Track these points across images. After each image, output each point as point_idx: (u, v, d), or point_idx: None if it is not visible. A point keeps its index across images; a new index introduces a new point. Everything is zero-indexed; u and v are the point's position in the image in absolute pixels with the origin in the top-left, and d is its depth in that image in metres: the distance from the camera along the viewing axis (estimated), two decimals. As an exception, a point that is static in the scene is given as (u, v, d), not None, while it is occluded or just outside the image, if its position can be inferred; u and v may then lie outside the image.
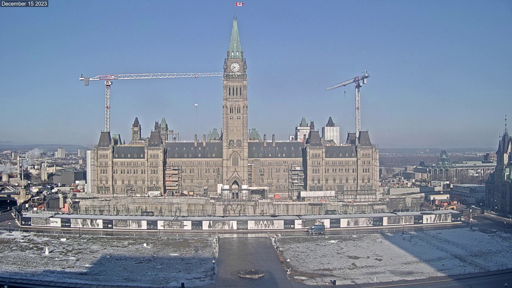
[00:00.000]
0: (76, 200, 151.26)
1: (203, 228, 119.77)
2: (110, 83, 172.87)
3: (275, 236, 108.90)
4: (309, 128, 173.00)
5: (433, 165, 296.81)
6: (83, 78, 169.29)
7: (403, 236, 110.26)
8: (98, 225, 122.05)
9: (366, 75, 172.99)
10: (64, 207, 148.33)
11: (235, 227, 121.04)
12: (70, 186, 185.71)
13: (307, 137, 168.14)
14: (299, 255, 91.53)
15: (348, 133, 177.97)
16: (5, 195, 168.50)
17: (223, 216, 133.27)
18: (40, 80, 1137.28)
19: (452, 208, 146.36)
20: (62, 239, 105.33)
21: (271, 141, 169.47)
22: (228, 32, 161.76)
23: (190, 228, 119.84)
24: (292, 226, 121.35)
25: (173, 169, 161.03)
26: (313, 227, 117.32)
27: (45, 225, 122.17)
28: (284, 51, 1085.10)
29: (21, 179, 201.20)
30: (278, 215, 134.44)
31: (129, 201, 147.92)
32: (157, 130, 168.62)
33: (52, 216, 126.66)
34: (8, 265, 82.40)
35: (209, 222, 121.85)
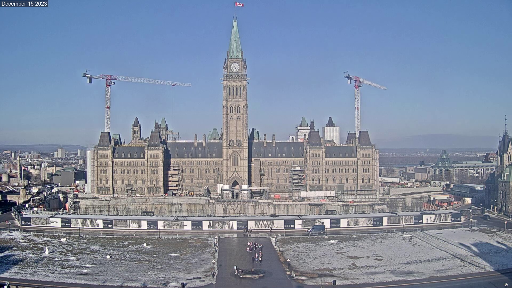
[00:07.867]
0: (76, 200, 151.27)
1: (203, 228, 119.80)
2: (111, 83, 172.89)
3: (275, 236, 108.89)
4: (309, 128, 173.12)
5: (433, 165, 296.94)
6: (88, 75, 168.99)
7: (403, 236, 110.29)
8: (98, 225, 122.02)
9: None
10: (64, 207, 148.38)
11: (235, 227, 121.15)
12: (70, 186, 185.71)
13: (307, 137, 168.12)
14: (299, 255, 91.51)
15: (348, 133, 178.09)
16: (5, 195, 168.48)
17: (223, 216, 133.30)
18: (40, 80, 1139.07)
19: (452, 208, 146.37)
20: (62, 239, 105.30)
21: (271, 141, 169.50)
22: (228, 32, 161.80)
23: (190, 228, 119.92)
24: (292, 226, 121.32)
25: (173, 169, 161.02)
26: (313, 227, 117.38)
27: (45, 225, 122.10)
28: (284, 51, 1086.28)
29: (21, 179, 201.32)
30: (278, 215, 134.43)
31: (129, 201, 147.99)
32: (157, 130, 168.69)
33: (52, 216, 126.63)
34: (8, 265, 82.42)
35: (209, 222, 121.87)
